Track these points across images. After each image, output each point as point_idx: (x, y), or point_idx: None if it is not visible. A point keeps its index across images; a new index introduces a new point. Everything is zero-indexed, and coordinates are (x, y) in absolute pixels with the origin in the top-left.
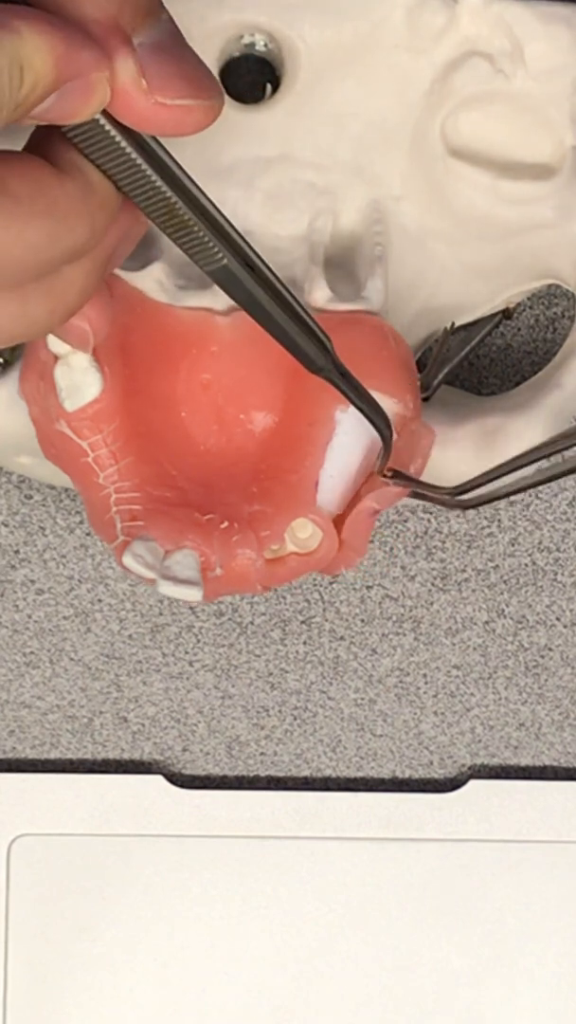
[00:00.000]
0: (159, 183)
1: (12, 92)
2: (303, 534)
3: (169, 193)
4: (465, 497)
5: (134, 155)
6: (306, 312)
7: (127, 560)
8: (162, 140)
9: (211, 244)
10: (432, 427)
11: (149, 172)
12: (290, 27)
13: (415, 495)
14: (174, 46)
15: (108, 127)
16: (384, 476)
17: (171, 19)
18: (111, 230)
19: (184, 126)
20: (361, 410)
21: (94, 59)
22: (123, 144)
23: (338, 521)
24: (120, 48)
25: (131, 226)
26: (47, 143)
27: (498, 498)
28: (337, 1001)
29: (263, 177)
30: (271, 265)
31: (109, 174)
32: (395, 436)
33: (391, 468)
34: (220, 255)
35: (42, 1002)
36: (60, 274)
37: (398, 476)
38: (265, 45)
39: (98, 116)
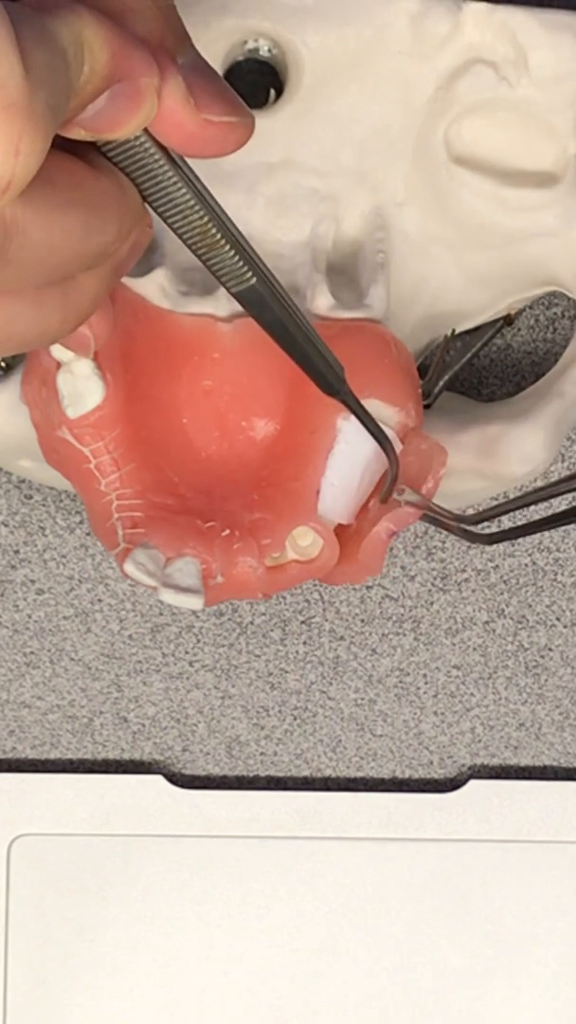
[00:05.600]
0: (196, 205)
1: (76, 71)
2: (304, 542)
3: (204, 215)
4: (487, 531)
5: (174, 176)
6: (318, 337)
7: (129, 568)
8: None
9: (241, 265)
10: (444, 446)
11: (187, 194)
12: (294, 32)
13: (428, 519)
14: (207, 67)
15: (150, 146)
16: (398, 496)
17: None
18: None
19: (227, 144)
20: (372, 433)
21: (146, 62)
22: (164, 165)
23: (348, 535)
24: (169, 66)
25: (139, 236)
26: (77, 147)
27: (523, 533)
28: (337, 1001)
29: (266, 183)
30: (274, 273)
31: (143, 193)
32: (400, 447)
33: (407, 486)
34: (250, 275)
35: (42, 1002)
36: (75, 281)
37: (413, 497)
38: (269, 50)
39: (140, 135)
